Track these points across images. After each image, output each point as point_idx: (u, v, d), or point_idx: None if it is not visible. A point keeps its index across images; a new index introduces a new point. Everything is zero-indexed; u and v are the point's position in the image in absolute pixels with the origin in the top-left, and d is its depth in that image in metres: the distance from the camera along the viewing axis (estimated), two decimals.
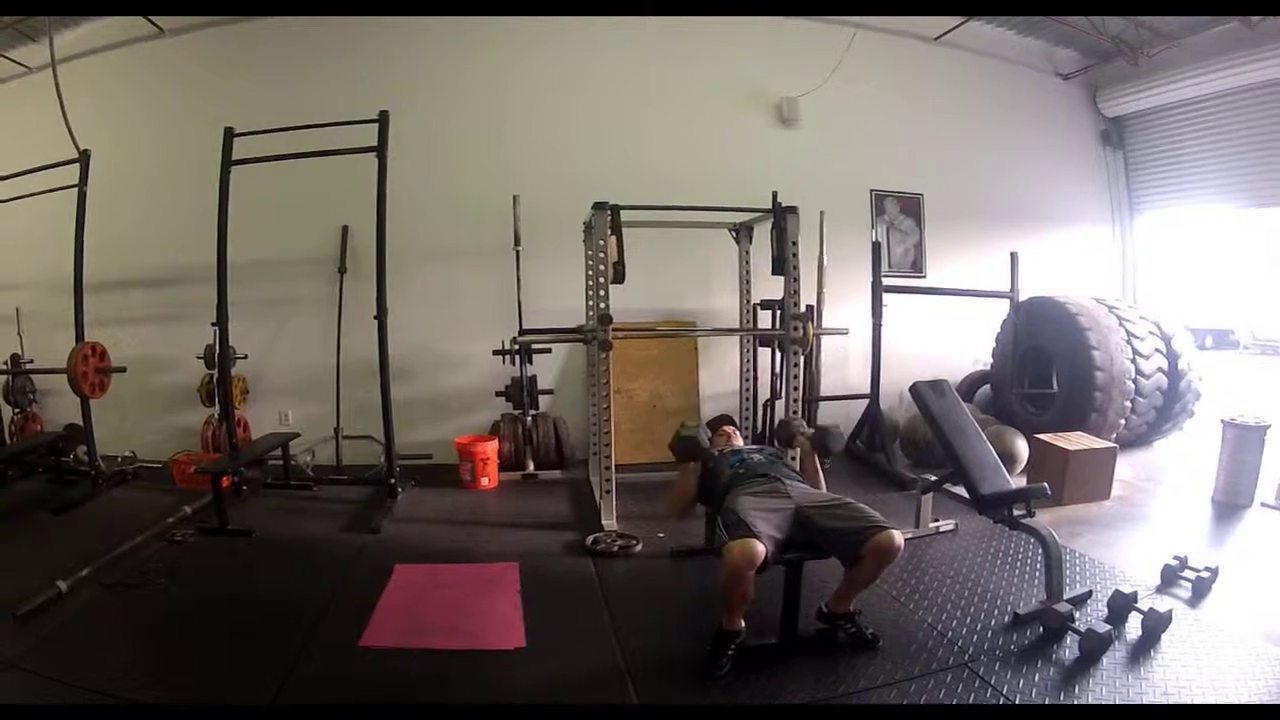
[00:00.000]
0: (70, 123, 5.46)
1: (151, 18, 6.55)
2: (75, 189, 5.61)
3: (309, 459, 6.38)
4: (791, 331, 5.04)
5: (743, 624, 3.13)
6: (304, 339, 6.64)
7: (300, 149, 5.27)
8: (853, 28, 7.26)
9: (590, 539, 4.58)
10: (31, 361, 6.57)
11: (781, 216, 4.93)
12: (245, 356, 6.24)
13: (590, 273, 4.98)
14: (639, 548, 4.47)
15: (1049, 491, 3.90)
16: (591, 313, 4.96)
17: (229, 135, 5.38)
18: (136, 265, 6.62)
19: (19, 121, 6.63)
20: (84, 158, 5.64)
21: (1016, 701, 2.84)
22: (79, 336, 5.63)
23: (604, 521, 4.86)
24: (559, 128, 6.88)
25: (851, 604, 3.30)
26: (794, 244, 4.94)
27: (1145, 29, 7.56)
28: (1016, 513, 3.69)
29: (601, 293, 4.79)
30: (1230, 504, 5.19)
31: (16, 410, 6.71)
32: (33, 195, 5.68)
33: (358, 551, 4.53)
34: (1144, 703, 2.82)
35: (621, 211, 4.79)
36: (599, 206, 4.78)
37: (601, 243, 4.75)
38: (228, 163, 5.36)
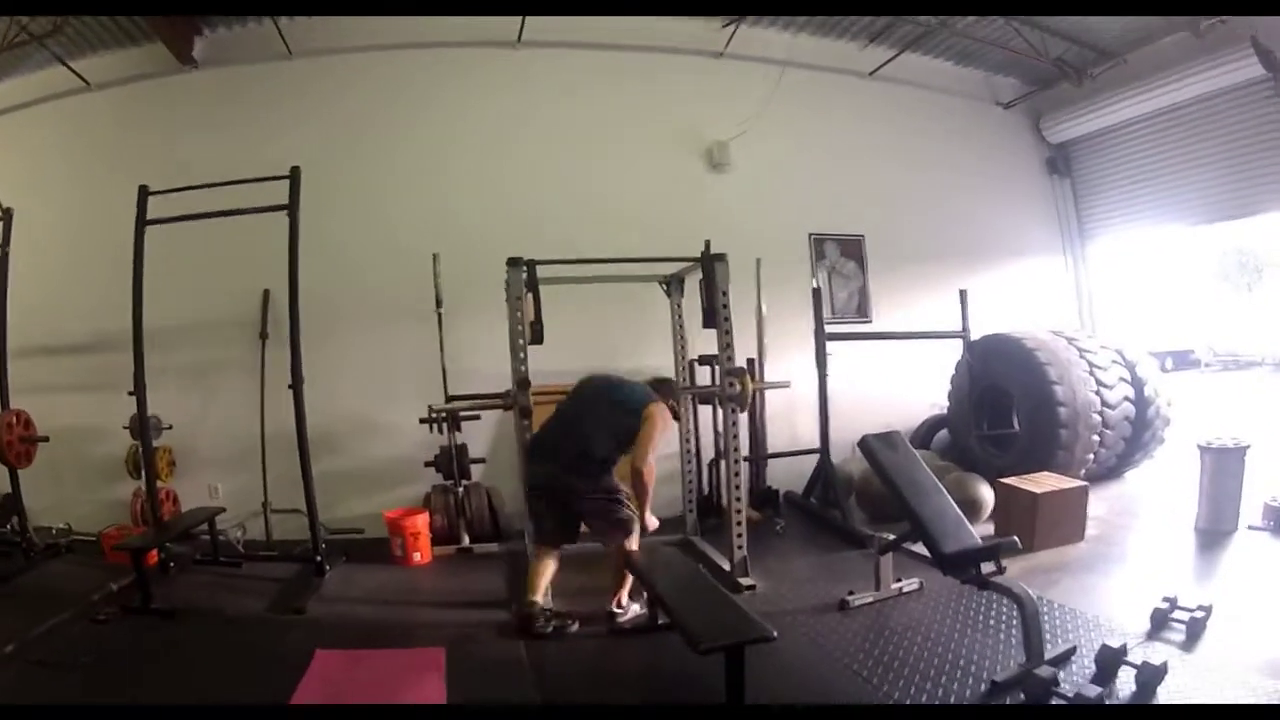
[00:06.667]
0: None
1: (78, 72, 6.39)
2: None
3: (240, 534, 6.11)
4: (727, 388, 4.74)
5: None
6: (233, 408, 6.32)
7: (218, 207, 5.12)
8: (780, 65, 7.21)
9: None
10: None
11: (710, 265, 4.66)
12: (170, 427, 6.07)
13: (510, 334, 4.75)
14: (575, 627, 4.21)
15: (1019, 544, 3.72)
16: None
17: (143, 193, 5.24)
18: (65, 330, 6.31)
19: None
20: (6, 216, 5.55)
21: None
22: (3, 404, 5.53)
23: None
24: (489, 181, 6.73)
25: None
26: (724, 294, 4.63)
27: (1088, 48, 7.49)
28: (985, 570, 3.49)
29: (521, 355, 4.57)
30: (1214, 531, 5.05)
31: None
32: None
33: (281, 633, 4.32)
34: None
35: (542, 267, 4.59)
36: (513, 263, 4.57)
37: (518, 300, 4.54)
38: (142, 222, 5.23)
